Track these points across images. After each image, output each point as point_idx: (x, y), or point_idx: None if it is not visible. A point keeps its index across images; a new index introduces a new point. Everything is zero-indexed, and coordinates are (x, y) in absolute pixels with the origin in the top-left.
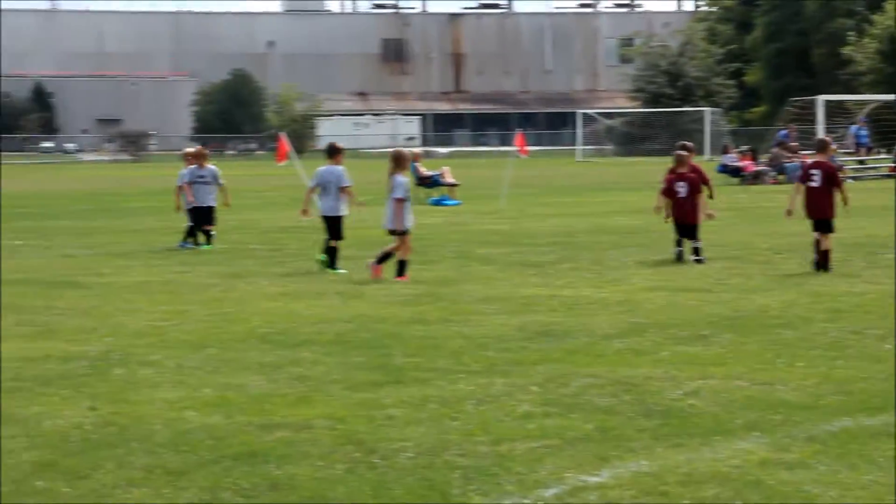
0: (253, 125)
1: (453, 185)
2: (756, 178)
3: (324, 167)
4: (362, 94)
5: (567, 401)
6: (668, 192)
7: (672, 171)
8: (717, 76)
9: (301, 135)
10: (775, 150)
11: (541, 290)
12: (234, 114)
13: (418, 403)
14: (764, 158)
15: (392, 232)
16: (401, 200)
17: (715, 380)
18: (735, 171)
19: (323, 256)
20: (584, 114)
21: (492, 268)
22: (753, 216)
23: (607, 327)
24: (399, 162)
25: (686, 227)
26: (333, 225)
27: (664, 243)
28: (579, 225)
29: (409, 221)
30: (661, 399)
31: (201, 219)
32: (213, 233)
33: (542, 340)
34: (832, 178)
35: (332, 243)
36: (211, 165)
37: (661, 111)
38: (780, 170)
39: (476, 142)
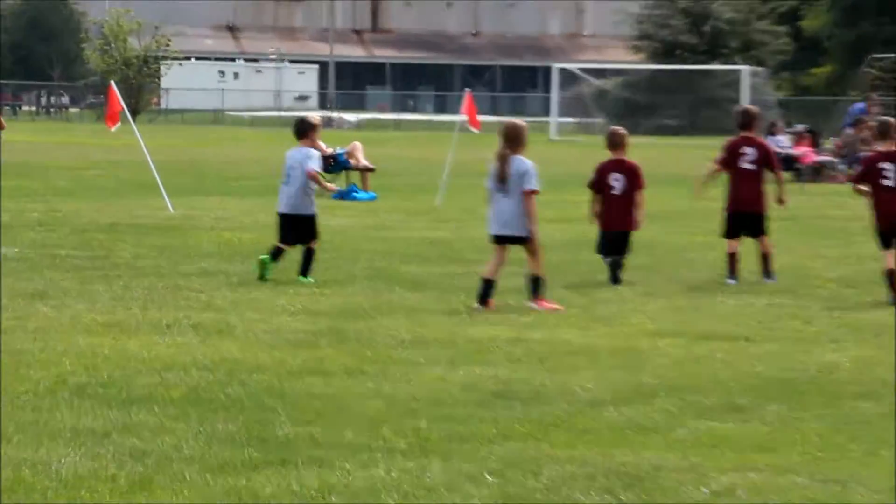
0: (65, 69)
1: (367, 170)
2: (818, 172)
3: (292, 150)
4: (232, 30)
5: (538, 497)
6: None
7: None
8: (762, 20)
9: (139, 86)
10: (848, 131)
11: (498, 329)
12: (36, 51)
13: (314, 495)
14: (830, 144)
15: (507, 239)
16: (534, 193)
17: (758, 473)
18: (787, 162)
19: (265, 256)
20: (563, 70)
21: (423, 294)
22: (814, 230)
23: (597, 389)
24: (515, 139)
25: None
26: (300, 227)
27: (679, 264)
28: (553, 234)
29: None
30: (679, 499)
31: None
32: None
33: (500, 406)
34: None
35: (313, 244)
36: None
37: (677, 68)
38: (854, 160)
39: (401, 106)
